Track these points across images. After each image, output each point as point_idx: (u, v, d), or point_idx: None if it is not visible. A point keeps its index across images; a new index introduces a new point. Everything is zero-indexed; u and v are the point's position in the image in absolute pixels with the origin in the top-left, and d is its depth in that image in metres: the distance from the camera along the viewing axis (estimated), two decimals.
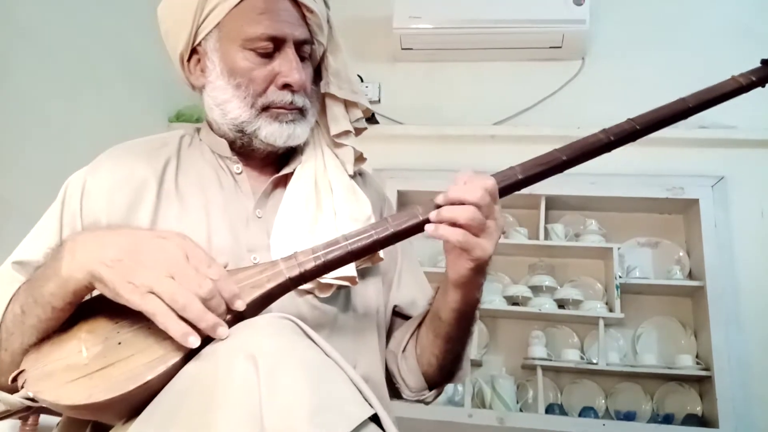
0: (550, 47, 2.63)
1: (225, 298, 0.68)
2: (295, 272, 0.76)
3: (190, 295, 0.64)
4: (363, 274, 0.93)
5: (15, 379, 0.68)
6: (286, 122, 0.92)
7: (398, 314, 1.04)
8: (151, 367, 0.63)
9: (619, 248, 2.36)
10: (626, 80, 2.60)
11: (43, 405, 0.67)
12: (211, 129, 0.98)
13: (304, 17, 0.93)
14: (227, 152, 0.96)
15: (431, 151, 2.56)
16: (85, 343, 0.68)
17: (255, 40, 0.89)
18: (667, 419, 2.20)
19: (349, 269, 0.86)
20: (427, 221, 0.80)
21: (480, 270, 0.82)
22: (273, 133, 0.91)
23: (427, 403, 1.01)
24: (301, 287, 0.83)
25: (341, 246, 0.78)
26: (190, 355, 0.64)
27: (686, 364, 2.23)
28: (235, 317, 0.69)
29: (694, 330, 2.36)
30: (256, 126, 0.91)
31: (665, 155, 2.42)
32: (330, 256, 0.77)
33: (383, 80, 2.73)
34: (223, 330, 0.65)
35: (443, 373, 0.96)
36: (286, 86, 0.91)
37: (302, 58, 0.93)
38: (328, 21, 0.97)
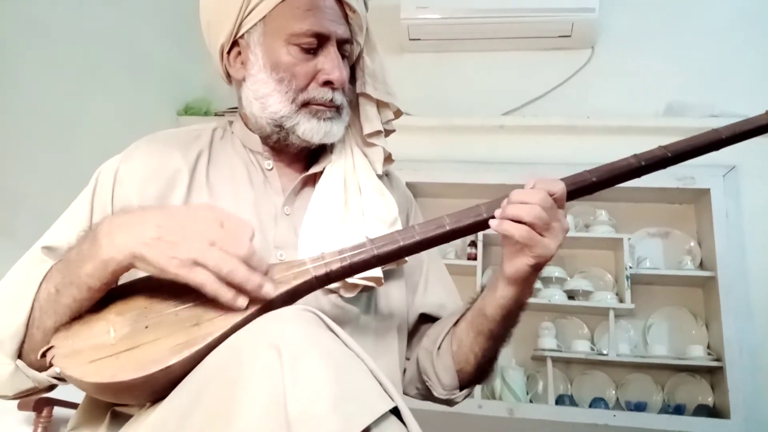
0: (559, 36, 2.61)
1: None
2: (321, 271, 0.78)
3: (233, 260, 0.67)
4: (387, 275, 0.94)
5: (44, 355, 0.70)
6: (324, 119, 0.92)
7: (426, 317, 1.04)
8: (175, 351, 0.65)
9: (629, 239, 2.35)
10: (636, 69, 2.58)
11: (69, 382, 0.69)
12: (245, 124, 0.99)
13: (346, 16, 0.94)
14: (259, 147, 0.97)
15: (440, 142, 2.56)
16: (114, 324, 0.71)
17: (300, 36, 0.89)
18: (678, 410, 2.19)
19: (375, 270, 0.87)
20: (491, 217, 0.82)
21: (538, 268, 0.83)
22: (311, 130, 0.92)
23: (455, 404, 1.01)
24: (325, 286, 0.84)
25: (368, 250, 0.80)
26: (214, 343, 0.66)
27: (697, 354, 2.22)
28: (263, 308, 0.71)
29: (705, 320, 2.35)
30: (295, 121, 0.92)
31: None
32: (356, 259, 0.79)
33: (390, 70, 2.72)
34: (268, 287, 0.69)
35: (479, 371, 0.97)
36: (327, 83, 0.91)
37: (342, 57, 0.94)
38: (366, 20, 0.98)
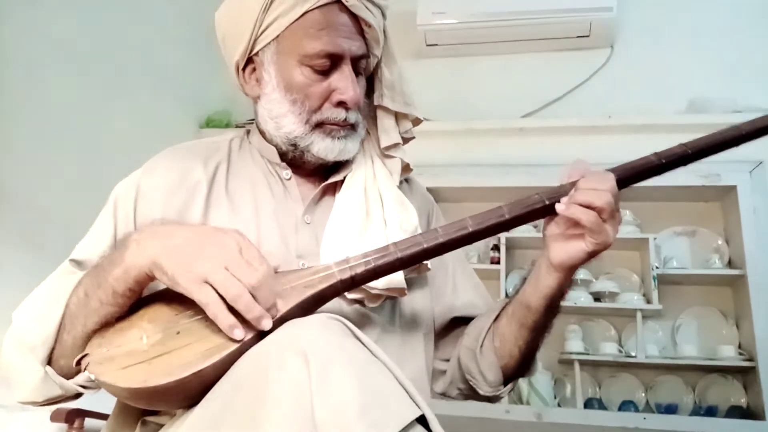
0: (578, 36, 2.59)
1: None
2: (346, 275, 0.78)
3: (241, 286, 0.68)
4: (410, 284, 0.94)
5: (79, 362, 0.72)
6: (338, 138, 0.92)
7: (459, 319, 1.04)
8: (206, 356, 0.66)
9: (655, 238, 2.33)
10: (656, 67, 2.55)
11: (103, 388, 0.70)
12: (262, 135, 0.99)
13: (361, 31, 0.92)
14: (276, 158, 0.97)
15: (459, 147, 2.55)
16: (146, 331, 0.72)
17: (313, 57, 0.89)
18: (710, 411, 2.15)
19: (399, 280, 0.87)
20: (552, 205, 0.83)
21: (594, 255, 0.84)
22: (325, 149, 0.92)
23: (498, 399, 1.02)
24: (350, 296, 0.86)
25: (391, 253, 0.80)
26: (244, 347, 0.67)
27: (728, 354, 2.17)
28: (281, 319, 0.71)
29: (735, 320, 2.31)
30: (309, 141, 0.92)
31: None
32: (380, 262, 0.80)
33: (408, 77, 2.72)
34: (267, 322, 0.69)
35: (523, 364, 0.97)
36: (340, 104, 0.91)
37: (357, 73, 0.93)
38: (384, 32, 0.96)
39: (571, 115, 2.53)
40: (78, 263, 0.87)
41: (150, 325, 0.73)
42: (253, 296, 0.69)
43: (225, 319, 0.68)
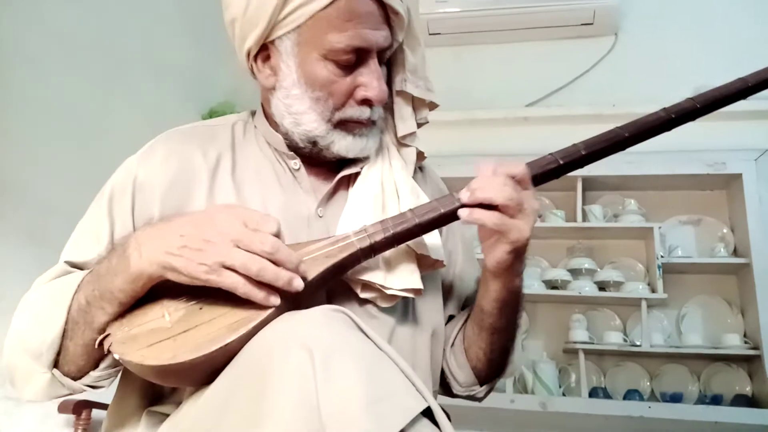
0: (582, 24, 2.57)
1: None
2: (365, 243, 0.77)
3: (260, 258, 0.67)
4: (422, 281, 0.90)
5: (101, 343, 0.71)
6: (360, 135, 0.88)
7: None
8: (232, 329, 0.66)
9: (660, 227, 2.31)
10: (661, 54, 2.53)
11: (128, 368, 0.70)
12: (267, 120, 0.93)
13: (387, 18, 0.86)
14: (283, 147, 0.91)
15: (463, 136, 2.54)
16: (168, 309, 0.71)
17: (339, 52, 0.82)
18: (716, 400, 2.15)
19: (415, 280, 0.84)
20: (454, 213, 0.80)
21: (518, 254, 0.81)
22: (346, 147, 0.88)
23: (478, 399, 0.99)
24: (363, 296, 0.83)
25: (409, 219, 0.79)
26: (268, 318, 0.67)
27: (734, 343, 2.17)
28: (307, 285, 0.71)
29: (740, 308, 2.30)
30: (330, 140, 0.87)
31: (704, 129, 2.32)
32: (399, 229, 0.79)
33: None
34: (297, 282, 0.69)
35: (492, 366, 0.95)
36: (365, 101, 0.86)
37: (380, 63, 0.87)
38: (408, 12, 0.89)
39: (575, 103, 2.52)
40: (74, 266, 0.83)
41: (171, 303, 0.72)
42: (274, 262, 0.68)
43: (257, 294, 0.67)
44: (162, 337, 0.67)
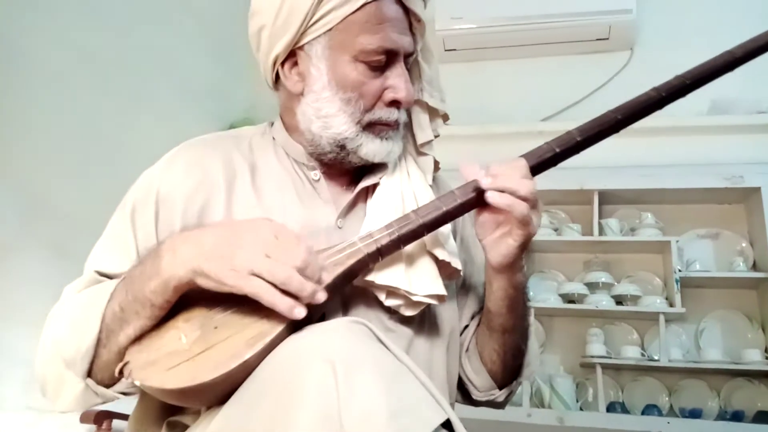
0: (597, 39, 2.59)
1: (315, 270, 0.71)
2: (372, 248, 0.78)
3: (288, 268, 0.67)
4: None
5: (121, 372, 0.72)
6: (387, 139, 0.89)
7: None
8: (249, 345, 0.66)
9: (677, 241, 2.30)
10: (677, 69, 2.49)
11: (149, 393, 0.70)
12: (287, 131, 0.94)
13: (410, 26, 0.88)
14: (303, 158, 0.92)
15: (479, 151, 2.54)
16: (184, 331, 0.72)
17: (370, 53, 0.84)
18: (737, 416, 2.12)
19: (439, 287, 0.84)
20: (481, 192, 0.81)
21: (524, 248, 0.83)
22: (374, 151, 0.88)
23: (499, 404, 0.99)
24: (388, 303, 0.84)
25: (413, 220, 0.80)
26: (283, 331, 0.67)
27: (754, 359, 2.15)
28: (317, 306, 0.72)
29: (761, 323, 2.28)
30: (359, 143, 0.88)
31: (722, 143, 2.34)
32: (404, 231, 0.80)
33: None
34: (321, 295, 0.69)
35: (507, 368, 0.95)
36: (393, 103, 0.87)
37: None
38: (425, 24, 0.92)
39: (591, 118, 2.51)
40: (103, 275, 0.84)
41: (186, 324, 0.73)
42: (302, 275, 0.68)
43: (282, 303, 0.66)
44: (181, 360, 0.68)
